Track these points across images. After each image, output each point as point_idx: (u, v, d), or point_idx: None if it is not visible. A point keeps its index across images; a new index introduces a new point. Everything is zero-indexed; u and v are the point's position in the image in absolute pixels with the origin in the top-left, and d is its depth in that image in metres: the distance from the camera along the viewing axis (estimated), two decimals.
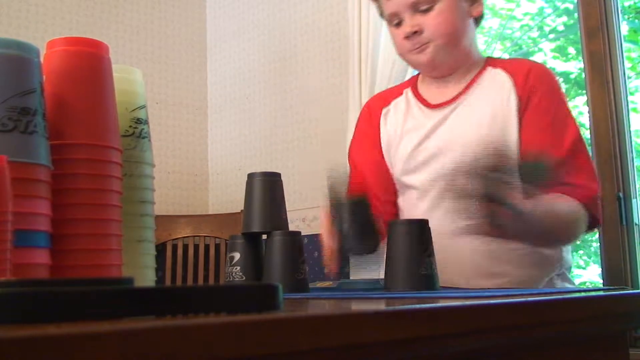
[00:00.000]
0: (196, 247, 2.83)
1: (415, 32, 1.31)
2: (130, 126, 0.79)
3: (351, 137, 1.55)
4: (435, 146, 1.34)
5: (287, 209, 1.12)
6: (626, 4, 3.17)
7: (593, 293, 0.93)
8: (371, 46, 2.31)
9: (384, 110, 1.46)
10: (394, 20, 1.35)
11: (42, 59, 0.68)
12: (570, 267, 1.37)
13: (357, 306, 0.63)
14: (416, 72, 1.51)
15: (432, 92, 1.41)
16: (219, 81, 3.12)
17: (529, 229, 1.07)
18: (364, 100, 2.31)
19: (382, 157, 1.44)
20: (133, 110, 0.80)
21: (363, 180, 1.32)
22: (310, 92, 2.72)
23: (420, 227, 0.99)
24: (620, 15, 2.16)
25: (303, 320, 0.46)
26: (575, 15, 2.47)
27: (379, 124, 1.46)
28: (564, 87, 3.65)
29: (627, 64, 2.29)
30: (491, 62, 1.37)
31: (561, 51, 3.70)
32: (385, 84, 2.25)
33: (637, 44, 3.31)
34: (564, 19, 3.68)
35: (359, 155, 1.48)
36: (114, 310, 0.42)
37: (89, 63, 0.71)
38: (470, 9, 1.35)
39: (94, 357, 0.34)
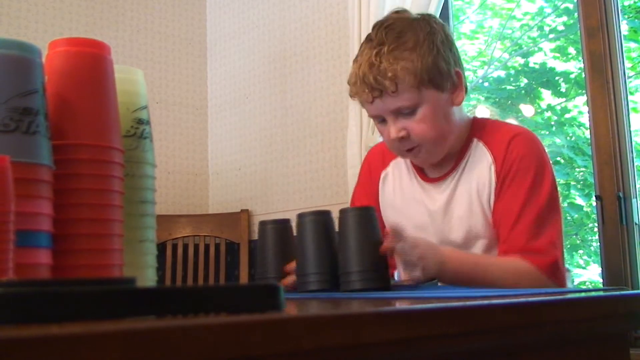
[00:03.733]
0: (196, 246, 2.83)
1: (403, 137, 1.29)
2: (131, 127, 0.79)
3: (356, 180, 1.56)
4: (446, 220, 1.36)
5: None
6: (626, 3, 3.18)
7: (593, 293, 0.94)
8: None
9: (383, 174, 1.47)
10: (377, 119, 1.33)
11: (44, 60, 0.68)
12: None
13: (357, 306, 0.63)
14: None
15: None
16: (219, 81, 3.12)
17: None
18: None
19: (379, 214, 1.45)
20: (134, 110, 0.80)
21: None
22: (310, 92, 2.72)
23: None
24: (620, 15, 2.16)
25: (304, 320, 0.46)
26: (575, 15, 2.48)
27: (378, 186, 1.47)
28: (563, 87, 3.66)
29: (627, 64, 2.30)
30: (476, 133, 1.36)
31: (561, 51, 3.71)
32: None
33: (638, 43, 3.32)
34: (564, 18, 3.68)
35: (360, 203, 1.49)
36: (115, 310, 0.42)
37: (90, 64, 0.72)
38: (451, 97, 1.31)
39: (96, 357, 0.34)
